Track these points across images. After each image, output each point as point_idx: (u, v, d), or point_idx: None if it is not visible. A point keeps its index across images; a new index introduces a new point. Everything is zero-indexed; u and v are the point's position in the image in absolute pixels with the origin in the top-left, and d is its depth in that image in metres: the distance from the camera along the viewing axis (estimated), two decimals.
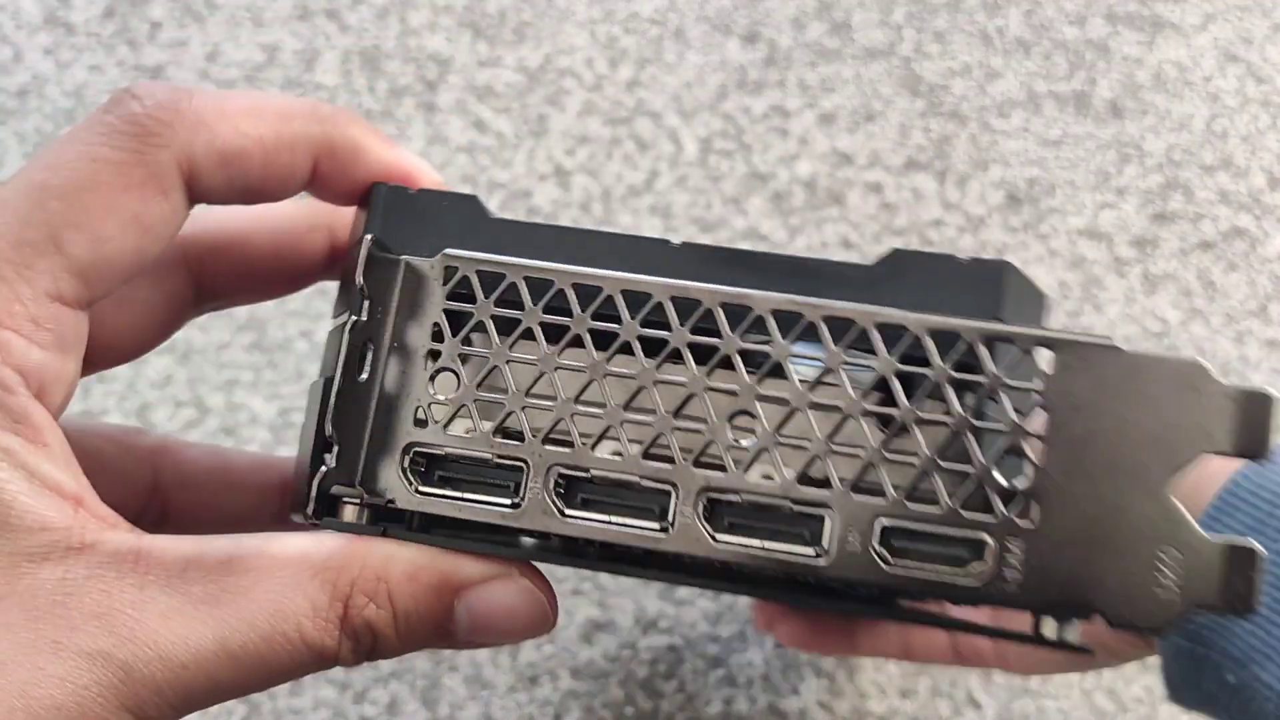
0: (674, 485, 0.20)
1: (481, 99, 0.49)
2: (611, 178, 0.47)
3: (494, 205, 0.47)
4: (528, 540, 0.22)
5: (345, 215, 0.25)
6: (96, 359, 0.22)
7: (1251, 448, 0.19)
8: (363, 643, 0.20)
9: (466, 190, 0.26)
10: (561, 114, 0.49)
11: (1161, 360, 0.19)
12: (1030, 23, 0.51)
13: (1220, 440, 0.19)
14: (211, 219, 0.24)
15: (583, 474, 0.20)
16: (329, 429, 0.20)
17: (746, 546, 0.20)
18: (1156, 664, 0.41)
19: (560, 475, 0.20)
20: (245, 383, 0.43)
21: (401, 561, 0.20)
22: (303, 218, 0.24)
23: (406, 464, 0.21)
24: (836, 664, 0.40)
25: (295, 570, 0.19)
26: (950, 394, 0.19)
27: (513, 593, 0.20)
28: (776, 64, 0.50)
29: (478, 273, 0.21)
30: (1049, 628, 0.20)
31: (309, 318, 0.43)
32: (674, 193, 0.47)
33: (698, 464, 0.20)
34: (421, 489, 0.21)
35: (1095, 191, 0.47)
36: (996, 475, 0.19)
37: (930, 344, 0.19)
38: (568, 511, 0.20)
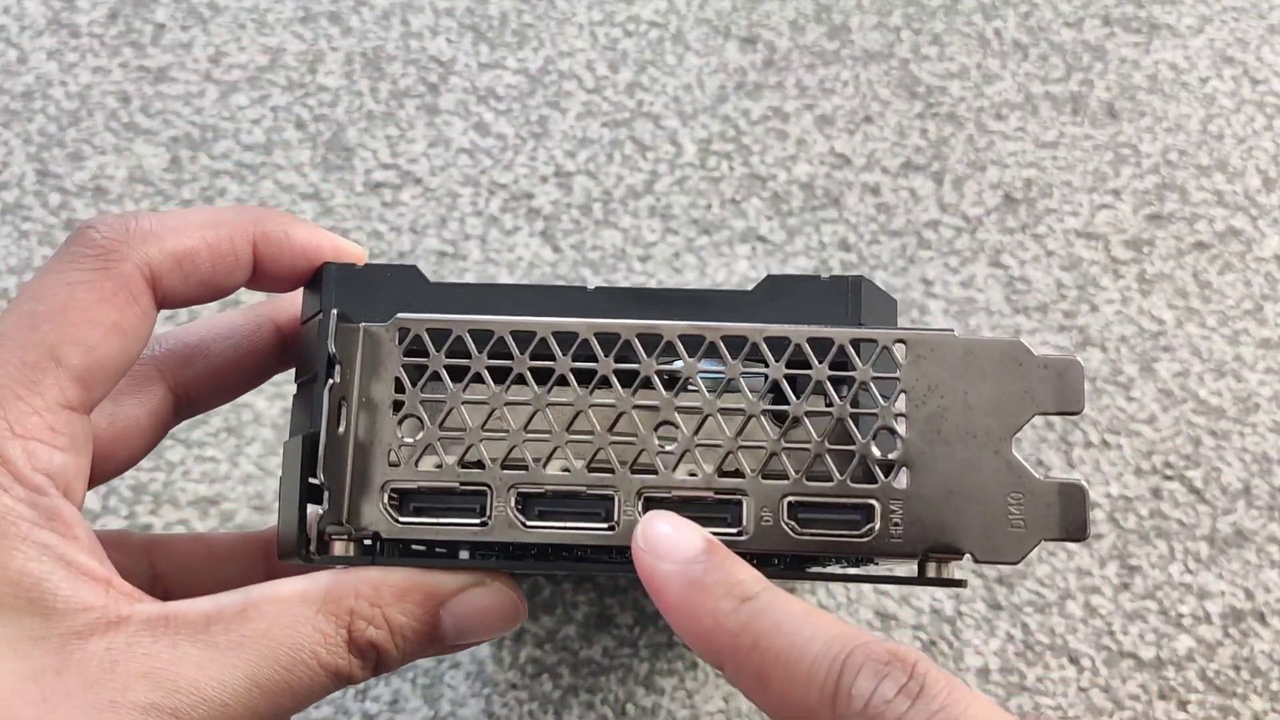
0: (616, 489, 0.23)
1: (483, 101, 0.49)
2: (612, 179, 0.48)
3: (495, 207, 0.47)
4: (494, 551, 0.25)
5: (287, 308, 0.28)
6: (94, 473, 0.25)
7: (1070, 406, 0.23)
8: (369, 659, 0.23)
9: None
10: (562, 116, 0.49)
11: (990, 342, 0.23)
12: (1027, 25, 0.51)
13: (1045, 402, 0.23)
14: (176, 337, 0.28)
15: (538, 490, 0.23)
16: (321, 478, 0.23)
17: None
18: (1152, 662, 0.41)
19: (520, 494, 0.23)
20: None
21: (390, 585, 0.23)
22: (249, 320, 0.28)
23: (385, 500, 0.23)
24: None
25: (301, 608, 0.22)
26: (830, 389, 0.23)
27: (486, 595, 0.24)
28: (775, 66, 0.50)
29: (428, 330, 0.24)
30: (931, 569, 0.23)
31: None
32: (674, 194, 0.47)
33: (634, 470, 0.23)
34: (401, 520, 0.23)
35: (1091, 193, 0.48)
36: (874, 450, 0.23)
37: (809, 350, 0.23)
38: (529, 523, 0.23)
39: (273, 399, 0.43)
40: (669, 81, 0.50)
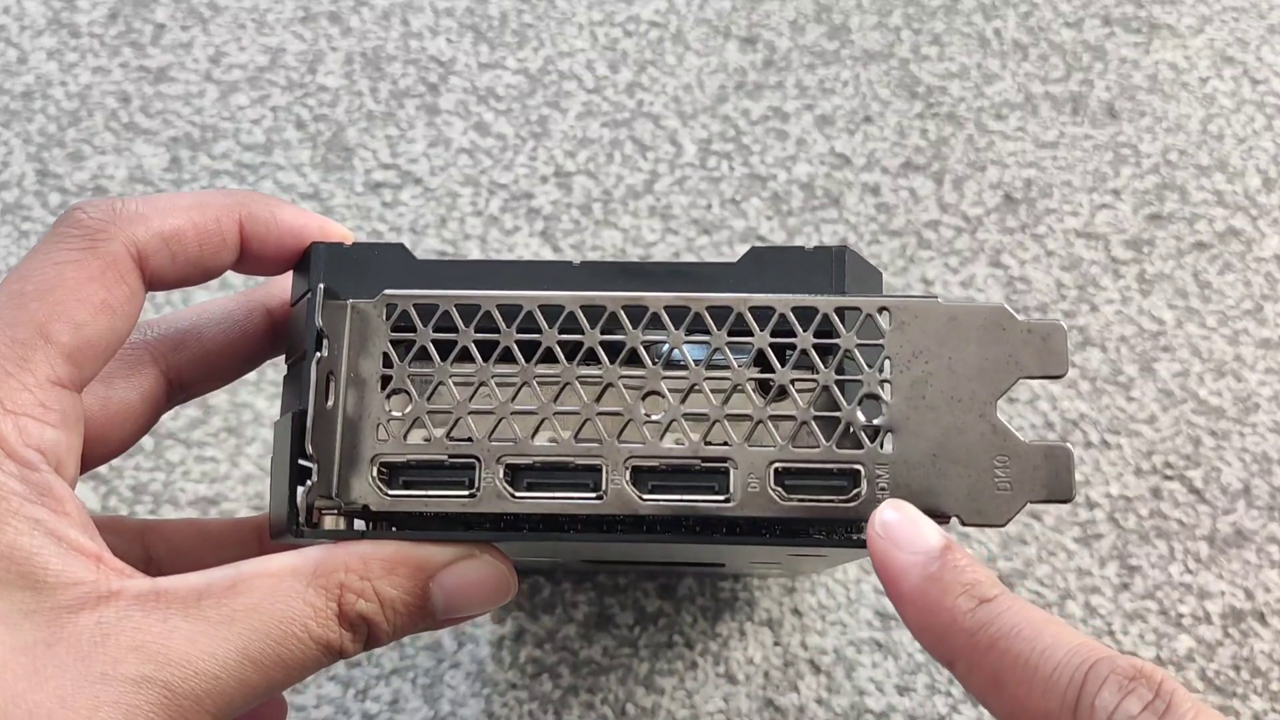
0: (603, 459, 0.23)
1: (483, 101, 0.49)
2: (612, 179, 0.48)
3: (495, 207, 0.47)
4: (484, 523, 0.25)
5: (278, 294, 0.28)
6: (88, 456, 0.25)
7: (1053, 370, 0.23)
8: (359, 633, 0.23)
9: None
10: (562, 116, 0.49)
11: (974, 308, 0.23)
12: (1027, 25, 0.51)
13: (1029, 366, 0.23)
14: (168, 321, 0.28)
15: (526, 461, 0.23)
16: (309, 449, 0.23)
17: (669, 501, 0.23)
18: (1152, 661, 0.41)
19: (508, 465, 0.23)
20: (249, 382, 0.43)
21: (379, 558, 0.23)
22: (240, 304, 0.28)
23: (374, 473, 0.24)
24: (834, 661, 0.40)
25: (291, 582, 0.22)
26: (815, 357, 0.24)
27: (476, 568, 0.24)
28: (775, 66, 0.50)
29: (415, 306, 0.24)
30: None
31: None
32: (674, 194, 0.47)
33: (621, 439, 0.24)
34: (389, 492, 0.24)
35: (1091, 193, 0.48)
36: (860, 416, 0.23)
37: (794, 319, 0.24)
38: (517, 494, 0.24)
39: (273, 399, 0.43)
40: (669, 81, 0.50)
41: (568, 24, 0.51)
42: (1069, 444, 0.23)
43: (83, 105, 0.48)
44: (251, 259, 0.26)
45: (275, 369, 0.43)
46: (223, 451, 0.42)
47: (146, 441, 0.42)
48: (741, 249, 0.46)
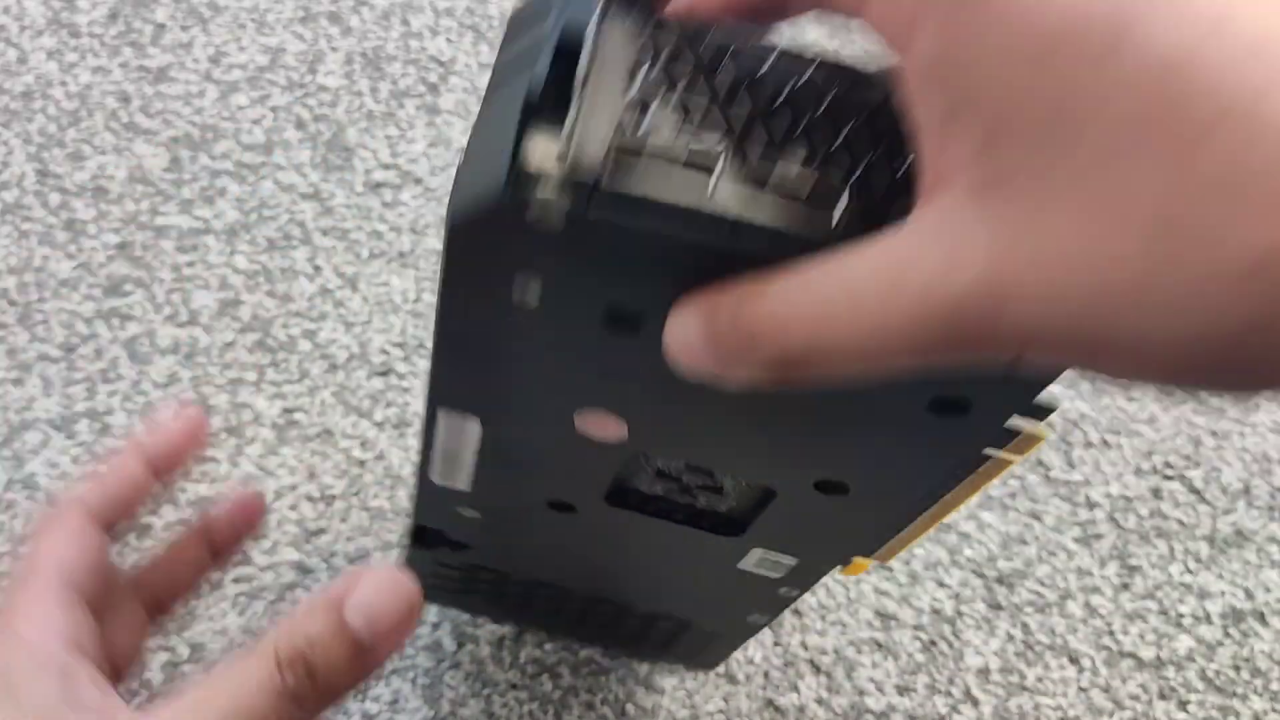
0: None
1: None
2: None
3: None
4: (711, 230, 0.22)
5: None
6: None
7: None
8: (297, 670, 0.26)
9: None
10: None
11: None
12: None
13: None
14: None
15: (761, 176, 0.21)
16: (579, 86, 0.21)
17: None
18: (1152, 662, 0.41)
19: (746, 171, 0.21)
20: (249, 382, 0.43)
21: (300, 610, 0.26)
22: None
23: (615, 153, 0.22)
24: (835, 662, 0.40)
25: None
26: None
27: (382, 577, 0.26)
28: None
29: (681, 30, 0.22)
30: None
31: (311, 318, 0.44)
32: None
33: None
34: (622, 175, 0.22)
35: None
36: None
37: None
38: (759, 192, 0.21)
39: (273, 399, 0.43)
40: None
41: None
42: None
43: (83, 105, 0.48)
44: None
45: (275, 370, 0.43)
46: (223, 451, 0.42)
47: None
48: None
